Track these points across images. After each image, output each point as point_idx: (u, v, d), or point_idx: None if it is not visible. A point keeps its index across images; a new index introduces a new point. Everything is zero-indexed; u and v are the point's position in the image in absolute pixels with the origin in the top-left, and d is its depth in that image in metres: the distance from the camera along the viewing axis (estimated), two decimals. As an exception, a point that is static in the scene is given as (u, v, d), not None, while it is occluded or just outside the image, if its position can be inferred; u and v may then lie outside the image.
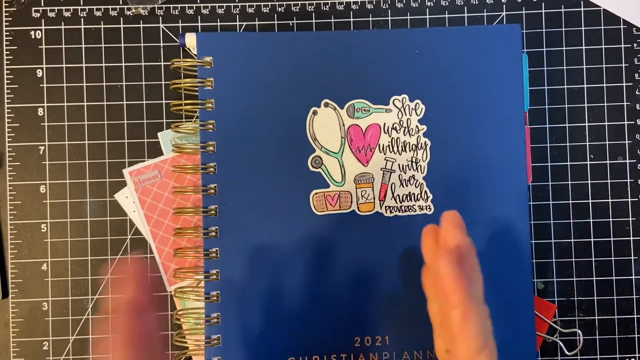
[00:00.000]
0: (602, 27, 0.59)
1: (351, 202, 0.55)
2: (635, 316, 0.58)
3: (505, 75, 0.55)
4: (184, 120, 0.57)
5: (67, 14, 0.58)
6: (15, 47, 0.58)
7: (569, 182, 0.58)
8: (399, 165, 0.55)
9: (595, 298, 0.58)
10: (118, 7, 0.58)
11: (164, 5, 0.58)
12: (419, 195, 0.55)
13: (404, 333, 0.54)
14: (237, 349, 0.53)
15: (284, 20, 0.58)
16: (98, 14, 0.58)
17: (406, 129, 0.55)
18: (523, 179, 0.55)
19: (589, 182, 0.58)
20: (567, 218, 0.58)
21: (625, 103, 0.58)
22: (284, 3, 0.58)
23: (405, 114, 0.55)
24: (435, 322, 0.46)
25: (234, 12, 0.58)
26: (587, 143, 0.58)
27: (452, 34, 0.56)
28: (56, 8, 0.58)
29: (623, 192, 0.58)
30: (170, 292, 0.57)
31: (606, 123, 0.58)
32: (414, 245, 0.54)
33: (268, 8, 0.58)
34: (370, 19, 0.59)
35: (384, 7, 0.59)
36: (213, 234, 0.54)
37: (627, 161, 0.58)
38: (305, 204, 0.54)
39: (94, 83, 0.58)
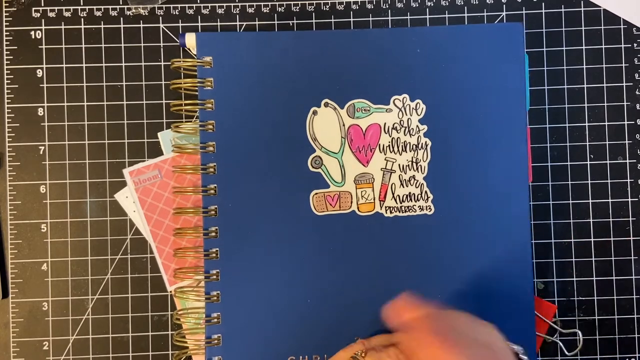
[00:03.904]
0: (602, 27, 0.59)
1: (351, 202, 0.54)
2: (635, 316, 0.58)
3: (507, 74, 0.55)
4: (184, 120, 0.57)
5: (67, 14, 0.58)
6: (15, 47, 0.58)
7: (569, 182, 0.58)
8: (399, 165, 0.55)
9: (595, 298, 0.58)
10: (118, 7, 0.58)
11: (164, 5, 0.58)
12: (419, 196, 0.54)
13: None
14: (237, 348, 0.53)
15: (284, 20, 0.58)
16: (98, 14, 0.58)
17: (407, 129, 0.55)
18: (524, 179, 0.54)
19: (589, 182, 0.58)
20: (567, 218, 0.58)
21: (625, 103, 0.58)
22: (284, 3, 0.58)
23: (406, 114, 0.55)
24: None
25: (234, 12, 0.58)
26: (587, 143, 0.58)
27: (454, 32, 0.55)
28: (56, 8, 0.58)
29: (623, 192, 0.58)
30: (171, 292, 0.57)
31: (606, 123, 0.58)
32: (414, 246, 0.54)
33: (268, 8, 0.58)
34: (370, 18, 0.59)
35: (384, 7, 0.59)
36: (213, 234, 0.54)
37: (627, 161, 0.58)
38: (305, 205, 0.54)
39: (94, 83, 0.58)
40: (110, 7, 0.58)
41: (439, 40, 0.55)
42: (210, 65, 0.54)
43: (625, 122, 0.59)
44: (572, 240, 0.58)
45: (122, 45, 0.58)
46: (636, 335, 0.58)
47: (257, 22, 0.58)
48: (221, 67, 0.55)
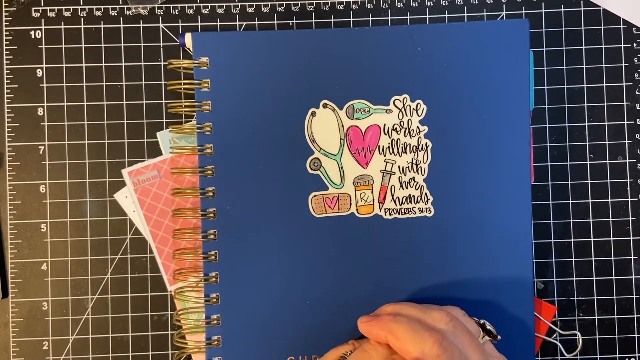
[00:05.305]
0: (602, 27, 0.59)
1: (350, 204, 0.54)
2: (635, 316, 0.58)
3: (512, 73, 0.54)
4: (183, 120, 0.57)
5: (67, 14, 0.58)
6: (15, 47, 0.58)
7: (569, 182, 0.58)
8: (399, 167, 0.54)
9: (595, 298, 0.58)
10: (118, 7, 0.58)
11: (164, 5, 0.58)
12: (419, 198, 0.54)
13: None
14: (237, 348, 0.53)
15: (284, 20, 0.58)
16: (98, 14, 0.58)
17: (407, 131, 0.54)
18: (527, 180, 0.54)
19: (589, 182, 0.58)
20: (567, 218, 0.58)
21: (625, 103, 0.58)
22: (284, 3, 0.58)
23: (406, 115, 0.54)
24: None
25: (234, 12, 0.58)
26: (587, 143, 0.58)
27: (457, 30, 0.54)
28: (56, 8, 0.58)
29: (623, 192, 0.58)
30: (171, 292, 0.57)
31: (606, 123, 0.58)
32: (413, 248, 0.54)
33: (268, 8, 0.58)
34: (370, 18, 0.59)
35: (384, 7, 0.58)
36: (212, 237, 0.54)
37: (627, 161, 0.58)
38: (305, 207, 0.54)
39: (94, 83, 0.58)
40: (110, 7, 0.58)
41: (440, 38, 0.54)
42: (207, 66, 0.54)
43: (625, 122, 0.58)
44: (572, 240, 0.58)
45: (122, 45, 0.58)
46: (636, 335, 0.58)
47: (257, 22, 0.58)
48: (218, 68, 0.54)
